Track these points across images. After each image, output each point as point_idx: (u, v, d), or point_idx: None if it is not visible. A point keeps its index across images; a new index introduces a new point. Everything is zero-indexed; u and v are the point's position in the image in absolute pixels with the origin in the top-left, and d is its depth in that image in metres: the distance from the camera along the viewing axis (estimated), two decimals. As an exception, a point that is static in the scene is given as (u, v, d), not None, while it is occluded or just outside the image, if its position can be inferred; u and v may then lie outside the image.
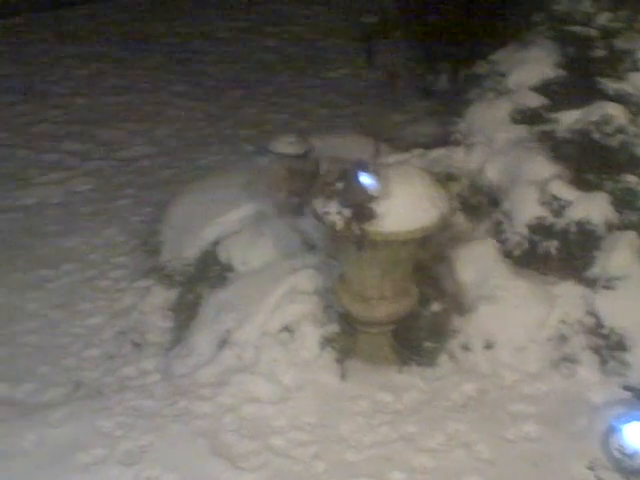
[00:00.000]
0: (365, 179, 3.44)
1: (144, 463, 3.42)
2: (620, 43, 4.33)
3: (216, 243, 4.66)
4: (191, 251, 4.76)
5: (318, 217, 3.58)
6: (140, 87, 8.34)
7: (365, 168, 3.47)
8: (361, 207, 3.46)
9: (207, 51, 9.33)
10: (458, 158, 4.67)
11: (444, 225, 3.87)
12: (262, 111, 7.71)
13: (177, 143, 7.17)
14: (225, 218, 4.76)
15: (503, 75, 4.95)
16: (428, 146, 5.16)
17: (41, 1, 10.75)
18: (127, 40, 9.67)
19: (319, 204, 3.57)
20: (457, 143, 4.84)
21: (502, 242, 4.28)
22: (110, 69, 8.82)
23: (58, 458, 3.45)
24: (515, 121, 4.66)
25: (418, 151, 4.95)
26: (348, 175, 3.49)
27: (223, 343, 4.09)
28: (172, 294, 4.74)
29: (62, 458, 3.45)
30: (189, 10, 10.75)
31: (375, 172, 3.49)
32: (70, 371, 4.34)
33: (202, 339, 4.21)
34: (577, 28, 4.39)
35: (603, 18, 4.38)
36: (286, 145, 5.00)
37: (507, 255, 4.24)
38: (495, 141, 4.62)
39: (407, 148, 5.27)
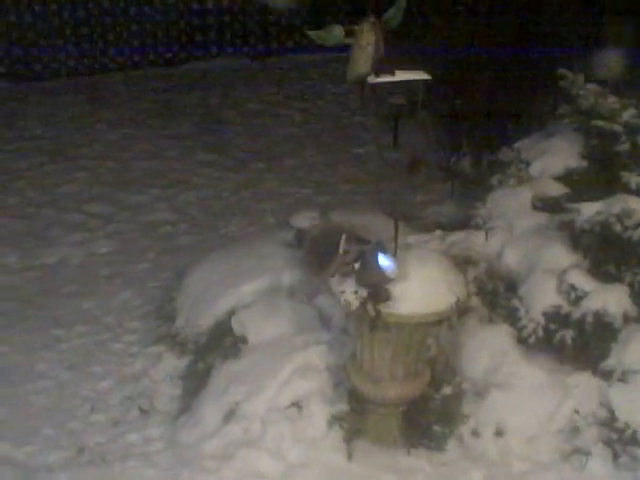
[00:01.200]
0: (383, 260, 3.45)
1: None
2: (644, 139, 4.39)
3: (231, 313, 4.67)
4: (205, 320, 4.76)
5: (334, 295, 3.59)
6: (167, 154, 8.49)
7: (383, 249, 3.48)
8: (377, 288, 3.46)
9: (235, 122, 9.50)
10: (477, 242, 4.68)
11: (459, 310, 3.87)
12: (285, 184, 7.79)
13: (199, 211, 7.26)
14: (241, 289, 4.78)
15: (527, 163, 4.99)
16: (448, 228, 5.19)
17: (78, 67, 11.10)
18: (158, 108, 9.88)
19: (336, 282, 3.59)
20: (477, 227, 4.85)
21: (517, 329, 4.24)
22: (139, 135, 9.00)
23: (55, 525, 3.40)
24: (536, 208, 4.67)
25: (438, 233, 4.97)
26: (366, 255, 3.51)
27: (231, 415, 4.06)
28: (183, 362, 4.73)
29: (59, 525, 3.40)
30: (221, 81, 11.00)
31: (393, 254, 3.51)
32: (75, 435, 4.32)
33: (210, 410, 4.18)
34: (602, 122, 4.43)
35: (628, 114, 4.43)
36: (306, 221, 5.07)
37: (522, 342, 4.20)
38: (515, 227, 4.63)
39: (427, 229, 5.30)
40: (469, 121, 7.24)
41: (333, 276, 3.63)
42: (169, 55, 11.60)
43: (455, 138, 7.45)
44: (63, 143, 8.73)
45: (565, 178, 4.69)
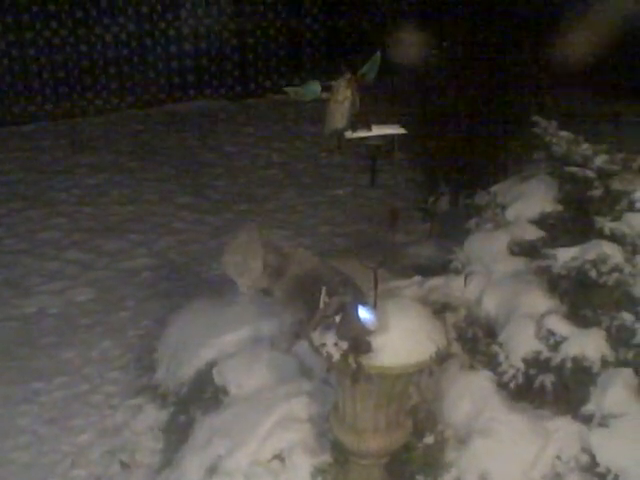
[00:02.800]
0: (363, 313, 3.47)
1: None
2: (616, 184, 4.44)
3: (212, 364, 4.66)
4: (186, 371, 4.75)
5: (315, 349, 3.59)
6: (146, 198, 8.51)
7: (363, 301, 3.50)
8: (358, 340, 3.47)
9: (215, 164, 9.56)
10: (456, 287, 4.70)
11: (439, 359, 3.88)
12: (265, 226, 7.78)
13: (179, 255, 7.26)
14: (222, 339, 4.77)
15: (503, 207, 5.03)
16: (427, 270, 5.21)
17: (56, 111, 11.11)
18: (138, 151, 9.92)
19: (316, 336, 3.59)
20: (456, 271, 4.88)
21: (498, 374, 4.24)
22: (119, 179, 9.03)
23: None
24: (513, 253, 4.71)
25: (416, 278, 4.99)
26: (346, 308, 3.52)
27: (213, 470, 4.03)
28: (164, 414, 4.72)
29: None
30: (199, 123, 11.07)
31: (373, 305, 3.53)
32: (56, 492, 4.27)
33: (192, 464, 4.15)
34: (575, 169, 4.50)
35: (600, 160, 4.50)
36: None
37: (503, 387, 4.20)
38: (493, 272, 4.66)
39: (406, 273, 5.32)
40: (446, 162, 7.31)
41: (314, 329, 3.64)
42: (147, 97, 11.67)
43: (432, 178, 7.53)
44: (42, 188, 8.73)
45: (541, 222, 4.74)
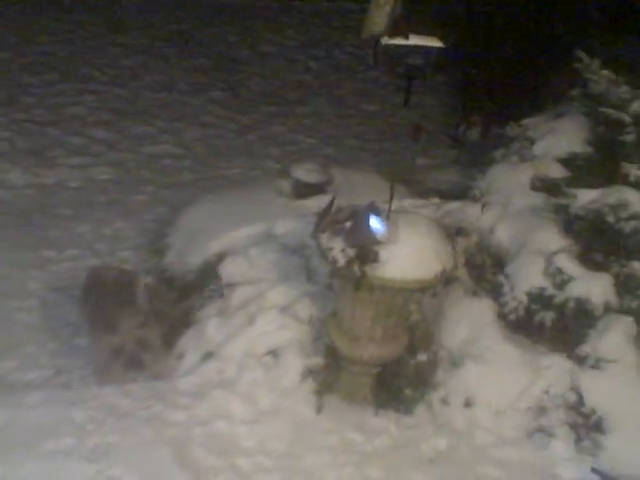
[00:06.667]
0: (374, 223, 3.47)
1: (108, 461, 3.44)
2: (650, 132, 4.37)
3: (220, 256, 4.71)
4: (195, 259, 4.80)
5: (322, 251, 3.62)
6: (179, 87, 8.46)
7: (376, 212, 3.50)
8: (365, 249, 3.49)
9: (250, 63, 9.44)
10: (472, 214, 4.69)
11: (444, 280, 3.90)
12: (293, 131, 7.78)
13: (204, 149, 7.25)
14: (234, 233, 4.81)
15: (531, 141, 4.97)
16: (447, 195, 5.20)
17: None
18: (175, 38, 9.80)
19: (325, 239, 3.61)
20: (474, 199, 4.86)
21: (500, 304, 4.28)
22: (153, 64, 8.95)
23: (26, 441, 3.48)
24: (534, 188, 4.68)
25: (434, 200, 4.98)
26: (358, 216, 3.53)
27: (208, 356, 4.13)
28: (169, 297, 4.77)
29: (30, 442, 3.48)
30: (241, 19, 10.87)
31: (385, 217, 3.53)
32: (54, 356, 4.40)
33: (189, 348, 4.25)
34: (610, 110, 4.41)
35: (638, 105, 4.41)
36: (305, 172, 5.08)
37: (502, 318, 4.25)
38: (511, 204, 4.64)
39: (425, 194, 5.31)
40: (484, 91, 7.19)
41: (324, 232, 3.66)
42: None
43: (467, 106, 7.42)
44: (75, 63, 8.68)
45: (568, 161, 4.68)
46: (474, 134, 7.18)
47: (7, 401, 3.78)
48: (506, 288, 4.31)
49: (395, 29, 3.45)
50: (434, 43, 3.51)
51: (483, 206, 4.69)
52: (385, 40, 3.45)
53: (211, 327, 4.24)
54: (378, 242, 3.50)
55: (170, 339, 4.34)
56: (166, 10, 10.76)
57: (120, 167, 6.69)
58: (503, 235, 4.50)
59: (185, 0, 11.22)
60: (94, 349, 4.29)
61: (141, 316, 4.24)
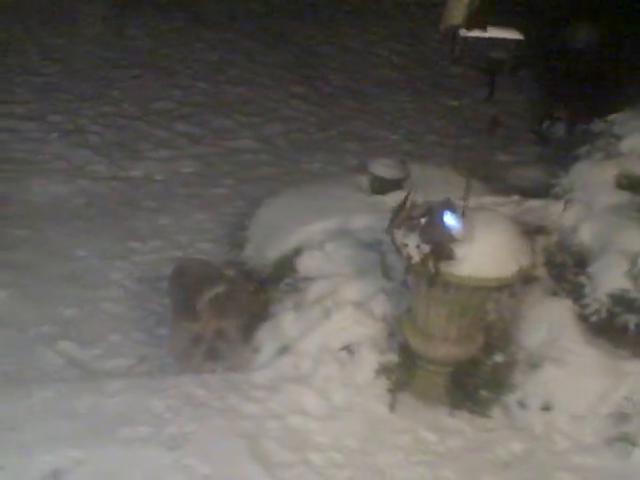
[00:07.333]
0: (449, 219, 3.44)
1: (184, 450, 3.52)
2: None
3: (297, 250, 4.74)
4: (272, 253, 4.85)
5: (396, 247, 3.61)
6: (261, 81, 8.54)
7: (452, 208, 3.47)
8: (440, 246, 3.46)
9: (333, 58, 9.45)
10: (553, 212, 4.59)
11: (523, 278, 3.83)
12: (373, 127, 7.76)
13: (284, 143, 7.32)
14: (311, 228, 4.83)
15: (618, 137, 4.82)
16: (528, 193, 5.09)
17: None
18: (258, 33, 9.88)
19: (400, 235, 3.59)
20: (557, 197, 4.75)
21: (581, 306, 4.17)
22: (236, 59, 9.06)
23: (106, 428, 3.59)
24: (620, 186, 4.53)
25: (515, 197, 4.89)
26: (433, 212, 3.50)
27: (284, 350, 4.16)
28: (248, 290, 4.82)
29: (109, 429, 3.58)
30: (325, 14, 10.89)
31: (461, 214, 3.49)
32: (137, 345, 4.51)
33: (266, 341, 4.29)
34: None
35: None
36: (384, 168, 5.06)
37: (583, 320, 4.14)
38: (595, 202, 4.51)
39: (506, 192, 5.22)
40: (569, 86, 7.01)
41: (399, 228, 3.64)
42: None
43: (553, 101, 7.25)
44: (161, 58, 8.87)
45: (655, 159, 4.53)
46: (559, 130, 7.01)
47: (91, 388, 3.90)
48: (587, 289, 4.19)
49: (473, 21, 3.40)
50: (514, 35, 3.44)
51: (565, 204, 4.57)
52: (463, 32, 3.40)
53: (287, 321, 4.28)
54: (453, 239, 3.46)
55: (248, 332, 4.40)
56: (249, 5, 10.86)
57: (202, 160, 6.82)
58: (586, 234, 4.38)
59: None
60: (175, 337, 4.39)
61: (221, 308, 4.30)
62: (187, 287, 4.40)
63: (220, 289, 4.27)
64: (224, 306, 4.29)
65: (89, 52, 8.77)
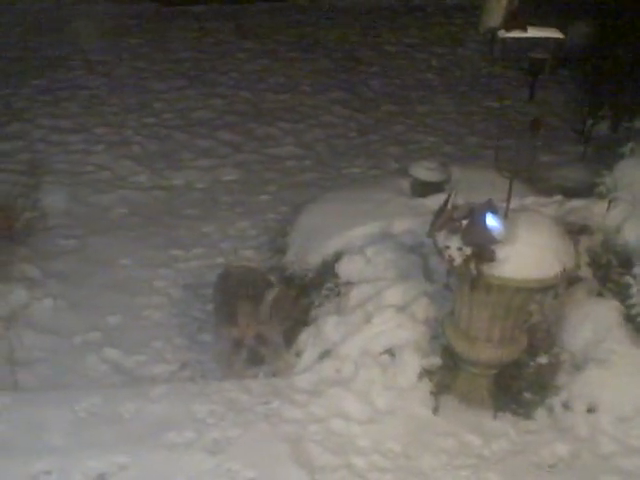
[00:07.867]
0: (491, 221, 3.41)
1: (227, 455, 3.54)
2: None
3: (338, 255, 4.75)
4: (313, 258, 4.87)
5: (438, 250, 3.59)
6: (301, 89, 8.59)
7: (493, 210, 3.44)
8: (482, 248, 3.43)
9: (372, 62, 9.46)
10: (597, 212, 4.52)
11: (567, 279, 3.78)
12: (413, 130, 7.74)
13: (325, 149, 7.35)
14: (351, 232, 4.84)
15: (663, 132, 4.74)
16: (571, 193, 5.03)
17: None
18: (298, 41, 9.96)
19: (441, 237, 3.57)
20: (600, 196, 4.68)
21: (626, 306, 4.11)
22: (277, 67, 9.13)
23: (150, 433, 3.63)
24: (665, 183, 4.46)
25: (557, 198, 4.83)
26: (475, 214, 3.47)
27: (326, 354, 4.17)
28: (291, 295, 4.85)
29: (153, 434, 3.62)
30: (363, 19, 10.93)
31: (503, 215, 3.46)
32: (180, 351, 4.57)
33: (308, 346, 4.30)
34: None
35: None
36: (425, 171, 5.04)
37: (629, 320, 4.07)
38: (640, 201, 4.44)
39: (548, 192, 5.16)
40: (613, 83, 6.90)
41: (440, 230, 3.62)
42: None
43: (596, 100, 7.13)
44: (203, 69, 8.98)
45: (702, 154, 4.44)
46: (602, 129, 6.90)
47: (135, 394, 3.94)
48: (634, 289, 4.13)
49: (512, 22, 3.38)
50: (554, 34, 3.40)
51: (609, 203, 4.50)
52: (502, 33, 3.38)
53: (329, 325, 4.28)
54: (495, 241, 3.43)
55: (290, 336, 4.42)
56: (289, 14, 10.96)
57: (244, 168, 6.88)
58: (631, 234, 4.31)
59: (309, 5, 11.38)
60: (217, 342, 4.42)
61: (264, 313, 4.32)
62: (230, 293, 4.44)
63: (273, 294, 4.32)
64: (267, 312, 4.32)
65: (133, 66, 8.92)
